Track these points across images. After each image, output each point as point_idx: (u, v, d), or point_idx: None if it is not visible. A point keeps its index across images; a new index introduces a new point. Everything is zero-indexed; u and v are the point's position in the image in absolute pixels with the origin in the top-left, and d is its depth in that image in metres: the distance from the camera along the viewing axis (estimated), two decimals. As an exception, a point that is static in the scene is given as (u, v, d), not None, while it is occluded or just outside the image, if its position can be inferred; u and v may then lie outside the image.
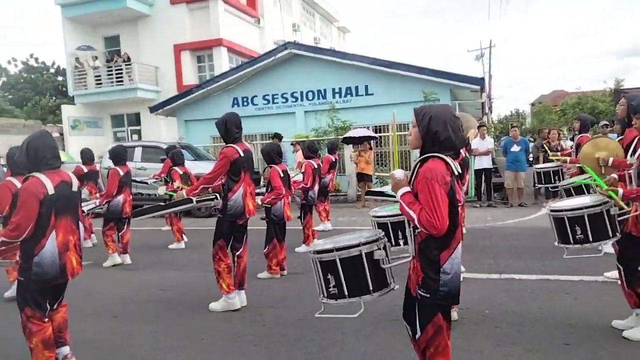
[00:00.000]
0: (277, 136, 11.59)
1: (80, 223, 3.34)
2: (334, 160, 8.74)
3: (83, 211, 4.65)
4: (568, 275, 5.08)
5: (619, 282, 3.65)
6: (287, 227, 5.98)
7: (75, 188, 3.25)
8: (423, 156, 2.35)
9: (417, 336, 2.40)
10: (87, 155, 8.06)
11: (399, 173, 2.42)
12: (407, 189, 2.34)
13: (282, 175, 5.68)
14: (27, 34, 60.73)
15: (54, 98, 28.54)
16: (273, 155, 5.78)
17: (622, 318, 3.64)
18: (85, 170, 7.97)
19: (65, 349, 3.34)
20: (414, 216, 2.23)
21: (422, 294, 2.31)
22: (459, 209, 2.38)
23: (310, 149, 7.37)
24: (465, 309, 4.21)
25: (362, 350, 3.54)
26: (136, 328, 4.25)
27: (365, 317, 3.99)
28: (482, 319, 4.01)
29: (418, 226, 2.24)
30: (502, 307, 4.26)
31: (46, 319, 3.15)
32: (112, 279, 6.14)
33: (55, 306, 3.31)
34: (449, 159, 2.30)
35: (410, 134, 2.47)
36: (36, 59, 31.83)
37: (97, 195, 7.47)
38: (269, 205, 5.63)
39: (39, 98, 28.65)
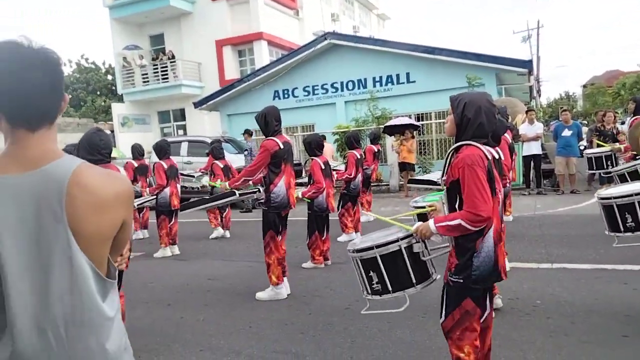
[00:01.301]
0: (248, 132, 11.38)
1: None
2: (376, 150, 8.69)
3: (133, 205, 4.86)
4: (626, 264, 4.85)
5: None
6: (329, 218, 6.02)
7: None
8: (456, 144, 2.36)
9: (441, 320, 2.44)
10: (137, 151, 8.39)
11: (415, 226, 2.45)
12: (431, 220, 2.36)
13: (323, 167, 5.69)
14: (79, 36, 63.70)
15: (104, 97, 29.84)
16: (314, 147, 5.79)
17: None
18: (136, 165, 8.30)
19: None
20: (460, 222, 2.23)
21: (455, 279, 2.34)
22: (497, 195, 2.36)
23: (354, 139, 7.35)
24: (516, 299, 4.11)
25: (409, 339, 3.53)
26: (187, 316, 4.42)
27: (413, 306, 3.98)
28: (533, 310, 3.89)
29: (468, 227, 2.22)
30: (554, 298, 4.12)
31: None
32: (164, 269, 6.39)
33: None
34: (482, 147, 2.29)
35: (447, 121, 2.48)
36: (86, 60, 33.30)
37: (147, 190, 7.77)
38: (310, 200, 5.66)
39: (91, 98, 30.02)
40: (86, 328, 1.10)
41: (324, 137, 11.97)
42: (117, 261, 1.33)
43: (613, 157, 6.66)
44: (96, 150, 3.28)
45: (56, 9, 66.89)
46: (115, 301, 1.18)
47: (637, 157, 5.47)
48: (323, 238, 5.84)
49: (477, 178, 2.20)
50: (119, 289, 3.44)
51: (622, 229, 3.40)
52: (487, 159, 2.28)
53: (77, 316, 1.09)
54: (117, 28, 21.72)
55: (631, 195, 3.31)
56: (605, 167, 6.67)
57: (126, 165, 8.41)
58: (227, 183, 4.90)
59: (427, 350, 3.34)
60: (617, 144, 6.85)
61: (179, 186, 7.33)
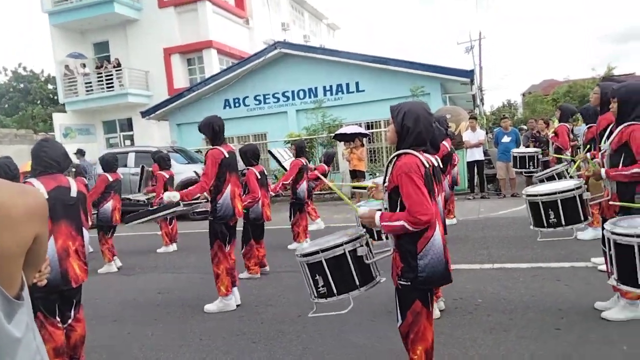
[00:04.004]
0: (80, 152, 11.67)
1: (83, 229, 3.32)
2: (327, 170, 8.83)
3: None
4: (559, 262, 5.18)
5: (605, 266, 3.74)
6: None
7: (74, 194, 3.23)
8: (395, 153, 2.48)
9: (398, 324, 2.53)
10: (83, 171, 8.10)
11: (362, 210, 2.56)
12: (378, 214, 2.45)
13: (259, 177, 5.74)
14: (15, 43, 60.41)
15: (44, 106, 28.48)
16: (249, 156, 5.83)
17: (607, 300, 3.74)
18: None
19: None
20: (403, 223, 2.33)
21: (403, 283, 2.44)
22: (438, 199, 2.50)
23: (300, 149, 7.48)
24: (459, 299, 4.30)
25: (360, 343, 3.61)
26: (136, 331, 4.31)
27: (363, 310, 4.10)
28: (475, 308, 4.09)
29: (410, 228, 2.32)
30: (495, 296, 4.35)
31: (59, 325, 3.17)
32: (111, 283, 6.18)
33: (71, 314, 3.29)
34: (420, 155, 2.42)
35: (388, 130, 2.59)
36: (24, 68, 31.71)
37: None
38: (246, 210, 5.69)
39: (31, 108, 28.56)
40: None
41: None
42: (35, 277, 1.28)
43: (535, 158, 7.33)
44: (41, 160, 3.15)
45: (-10, 14, 63.22)
46: (23, 322, 1.13)
47: (561, 161, 5.95)
48: (258, 246, 5.89)
49: (414, 184, 2.32)
50: (76, 310, 3.33)
51: (545, 225, 3.69)
52: (425, 166, 2.40)
53: None
54: (57, 35, 20.85)
55: (555, 193, 3.60)
56: (527, 166, 7.40)
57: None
58: (177, 195, 4.69)
59: (378, 352, 3.43)
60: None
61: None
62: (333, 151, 10.37)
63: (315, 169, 8.56)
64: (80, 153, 11.69)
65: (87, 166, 11.40)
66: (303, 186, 7.22)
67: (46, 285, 2.99)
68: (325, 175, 8.84)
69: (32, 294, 3.06)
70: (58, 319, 3.18)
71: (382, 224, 2.40)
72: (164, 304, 5.09)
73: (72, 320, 3.30)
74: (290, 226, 7.22)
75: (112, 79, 20.06)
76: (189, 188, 4.59)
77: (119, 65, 20.37)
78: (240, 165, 5.23)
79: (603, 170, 3.42)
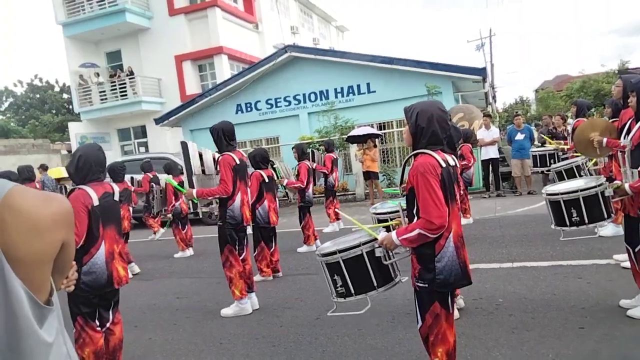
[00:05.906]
0: (43, 166, 11.92)
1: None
2: (335, 157, 8.83)
3: None
4: (580, 260, 5.09)
5: (629, 263, 3.67)
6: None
7: (117, 197, 3.36)
8: (411, 154, 2.46)
9: (419, 326, 2.51)
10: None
11: (380, 237, 2.52)
12: (393, 232, 2.43)
13: (266, 180, 5.76)
14: (31, 55, 61.56)
15: (59, 115, 28.95)
16: (259, 160, 5.88)
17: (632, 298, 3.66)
18: None
19: None
20: (419, 231, 2.30)
21: (421, 285, 2.42)
22: (456, 200, 2.46)
23: (302, 152, 7.49)
24: (479, 299, 4.25)
25: (379, 345, 3.58)
26: (156, 336, 4.34)
27: (382, 311, 4.08)
28: (496, 308, 4.04)
29: (428, 234, 2.29)
30: (516, 295, 4.29)
31: (98, 328, 3.22)
32: (130, 289, 6.20)
33: (109, 316, 3.33)
34: (436, 154, 2.38)
35: (404, 132, 2.57)
36: (40, 79, 32.27)
37: None
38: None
39: (47, 117, 29.07)
40: (23, 355, 1.07)
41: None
42: (62, 283, 1.30)
43: (556, 155, 7.11)
44: (101, 167, 3.26)
45: (3, 27, 64.46)
46: (53, 327, 1.14)
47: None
48: (271, 250, 5.89)
49: (430, 186, 2.29)
50: (114, 312, 3.36)
51: (567, 224, 3.62)
52: (441, 166, 2.37)
53: (13, 343, 1.05)
54: (71, 46, 21.20)
55: (577, 191, 3.52)
56: (548, 165, 7.14)
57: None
58: (194, 191, 4.62)
59: (397, 355, 3.40)
60: (563, 142, 7.21)
61: (131, 209, 7.26)
62: (330, 141, 10.33)
63: (324, 161, 8.58)
64: (43, 168, 11.75)
65: (47, 180, 11.27)
66: (311, 189, 7.27)
67: (91, 286, 3.07)
68: (335, 161, 8.84)
69: (73, 297, 3.13)
70: (97, 323, 3.23)
71: (399, 238, 2.37)
72: (183, 308, 5.12)
73: (110, 324, 3.34)
74: (300, 229, 7.26)
75: (125, 87, 20.31)
76: (211, 188, 4.59)
77: (131, 73, 20.61)
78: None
79: (626, 185, 3.35)
